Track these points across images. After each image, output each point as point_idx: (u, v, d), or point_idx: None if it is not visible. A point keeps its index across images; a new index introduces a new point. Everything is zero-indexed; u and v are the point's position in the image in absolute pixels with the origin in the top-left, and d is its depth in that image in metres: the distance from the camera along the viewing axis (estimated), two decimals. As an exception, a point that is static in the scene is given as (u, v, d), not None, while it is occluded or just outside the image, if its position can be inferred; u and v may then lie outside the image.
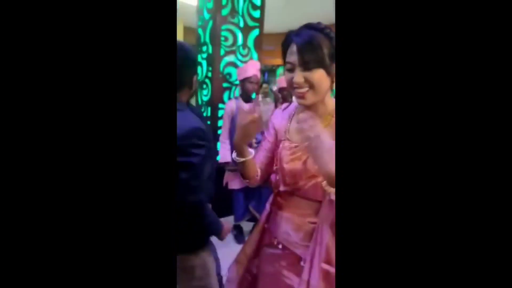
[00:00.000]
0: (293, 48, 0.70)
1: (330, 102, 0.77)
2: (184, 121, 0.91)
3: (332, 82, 0.73)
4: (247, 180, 0.86)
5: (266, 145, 0.90)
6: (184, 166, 0.90)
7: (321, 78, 0.69)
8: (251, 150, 0.82)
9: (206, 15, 2.36)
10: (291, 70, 0.72)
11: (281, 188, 0.82)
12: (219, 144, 2.22)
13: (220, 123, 2.32)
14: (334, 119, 0.76)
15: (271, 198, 0.91)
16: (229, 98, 2.36)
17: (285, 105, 0.91)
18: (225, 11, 2.23)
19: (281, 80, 2.43)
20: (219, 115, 2.36)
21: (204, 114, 2.47)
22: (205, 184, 0.95)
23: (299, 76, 0.69)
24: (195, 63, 1.00)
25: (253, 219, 2.26)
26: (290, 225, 0.81)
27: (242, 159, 0.80)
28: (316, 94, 0.71)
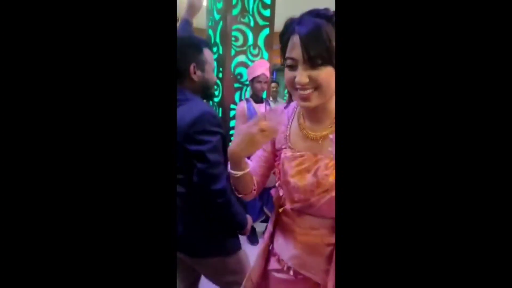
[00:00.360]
0: (295, 40, 0.57)
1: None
2: (192, 108, 0.88)
3: None
4: (242, 195, 0.74)
5: (261, 153, 0.77)
6: (198, 155, 0.85)
7: (329, 77, 0.57)
8: (249, 161, 0.70)
9: (216, 16, 2.35)
10: (293, 67, 0.59)
11: (288, 206, 0.71)
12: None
13: (232, 123, 2.31)
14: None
15: (273, 217, 0.78)
16: (240, 99, 2.35)
17: (281, 105, 0.78)
18: (235, 11, 2.21)
19: None
20: (231, 115, 2.35)
21: (216, 115, 2.46)
22: (225, 171, 0.88)
23: (302, 76, 0.57)
24: (188, 51, 0.94)
25: (267, 220, 2.24)
26: (304, 249, 0.69)
27: (239, 173, 0.67)
28: (322, 96, 0.59)
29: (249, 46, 2.33)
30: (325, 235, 0.67)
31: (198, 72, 0.96)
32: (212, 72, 1.01)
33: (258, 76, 2.10)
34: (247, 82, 2.30)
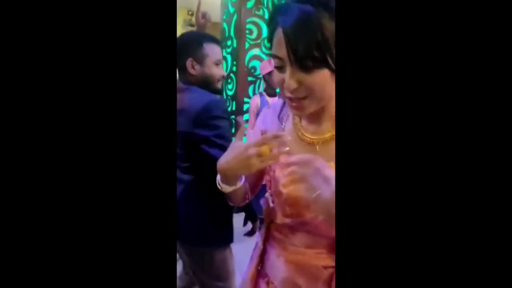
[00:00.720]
0: (280, 35, 0.46)
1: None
2: (198, 96, 0.90)
3: None
4: (234, 204, 0.68)
5: None
6: (211, 140, 0.88)
7: (325, 81, 0.46)
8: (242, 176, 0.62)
9: (231, 9, 2.35)
10: (281, 68, 0.49)
11: (279, 220, 0.61)
12: (245, 139, 2.23)
13: (245, 117, 2.32)
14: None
15: (263, 232, 0.67)
16: (254, 92, 2.35)
17: (275, 102, 0.66)
18: (249, 4, 2.21)
19: None
20: (244, 109, 2.36)
21: (229, 109, 2.48)
22: None
23: (291, 80, 0.47)
24: (186, 46, 0.96)
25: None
26: (297, 270, 0.60)
27: (230, 189, 0.59)
28: (316, 103, 0.50)
29: (264, 39, 2.32)
30: (322, 255, 0.58)
31: (197, 67, 0.97)
32: (215, 67, 1.00)
33: (273, 70, 2.09)
34: (261, 76, 2.30)
